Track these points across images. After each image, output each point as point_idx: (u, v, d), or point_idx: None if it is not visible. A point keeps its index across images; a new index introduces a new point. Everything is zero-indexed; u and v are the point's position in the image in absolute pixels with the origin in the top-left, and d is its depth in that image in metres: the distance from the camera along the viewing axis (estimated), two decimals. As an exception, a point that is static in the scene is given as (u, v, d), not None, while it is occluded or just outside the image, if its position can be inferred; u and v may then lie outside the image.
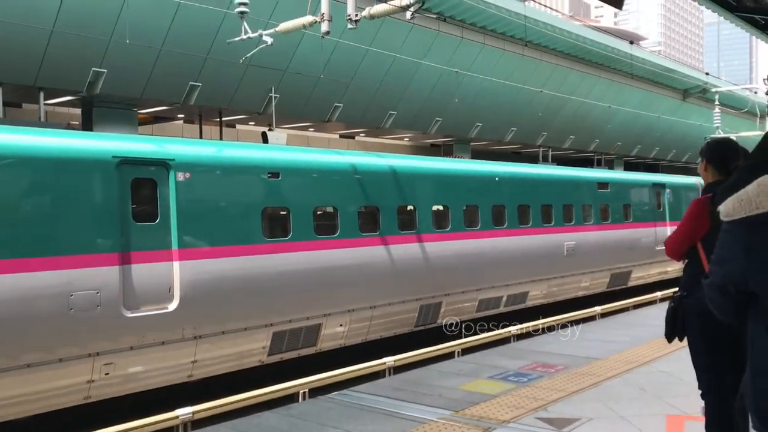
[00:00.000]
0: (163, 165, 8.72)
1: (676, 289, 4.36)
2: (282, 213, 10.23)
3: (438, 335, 12.17)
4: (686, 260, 4.23)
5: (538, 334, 12.65)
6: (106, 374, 8.13)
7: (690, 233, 4.09)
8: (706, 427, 4.17)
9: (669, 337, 4.24)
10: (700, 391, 4.21)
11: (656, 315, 12.03)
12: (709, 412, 4.16)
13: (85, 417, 7.99)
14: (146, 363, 8.46)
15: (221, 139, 16.32)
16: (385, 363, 9.69)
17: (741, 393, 3.93)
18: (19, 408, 7.53)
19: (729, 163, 4.13)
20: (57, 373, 7.71)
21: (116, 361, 8.17)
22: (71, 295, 7.70)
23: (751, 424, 2.38)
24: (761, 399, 2.28)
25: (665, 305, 11.80)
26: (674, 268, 20.01)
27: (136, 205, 8.46)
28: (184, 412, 7.41)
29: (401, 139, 24.37)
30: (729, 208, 2.33)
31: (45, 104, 12.37)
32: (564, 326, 13.27)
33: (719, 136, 27.63)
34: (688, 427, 5.45)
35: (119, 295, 8.07)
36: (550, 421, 5.71)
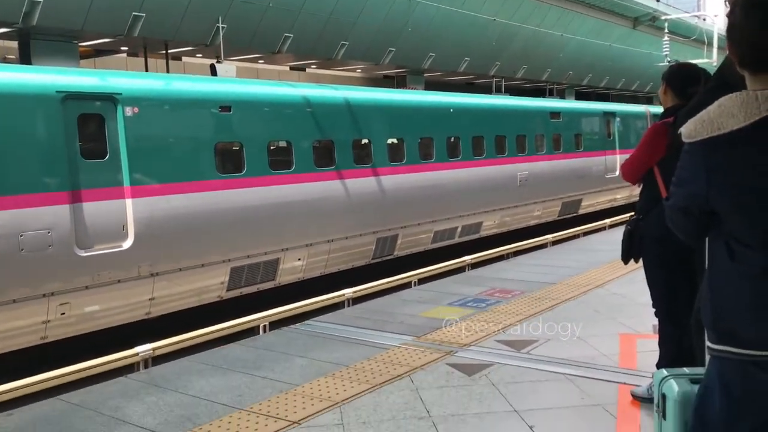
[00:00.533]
0: (110, 100, 8.43)
1: (632, 213, 4.46)
2: (235, 148, 10.06)
3: (395, 267, 12.31)
4: (642, 185, 4.31)
5: (493, 263, 12.93)
6: (62, 314, 8.04)
7: (647, 157, 4.15)
8: (660, 344, 4.35)
9: (625, 259, 4.36)
10: (654, 310, 4.38)
11: (607, 240, 12.39)
12: (662, 330, 4.34)
13: (45, 358, 7.90)
14: (103, 302, 8.38)
15: (168, 72, 15.76)
16: (344, 294, 9.78)
17: (697, 308, 4.10)
18: (-27, 350, 7.41)
19: (688, 88, 4.16)
20: (11, 314, 7.59)
21: (72, 300, 8.07)
22: (21, 236, 7.51)
23: (706, 338, 2.48)
24: (717, 315, 2.37)
25: (615, 231, 12.21)
26: (623, 196, 20.52)
27: (83, 142, 8.20)
28: (143, 348, 7.37)
29: (354, 70, 23.97)
30: (690, 130, 2.35)
31: (-22, 37, 11.72)
32: (517, 254, 13.59)
33: (668, 64, 27.98)
34: (641, 345, 5.68)
35: (71, 234, 7.91)
36: (510, 343, 5.88)
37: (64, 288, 7.93)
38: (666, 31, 28.17)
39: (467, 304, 7.45)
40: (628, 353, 5.51)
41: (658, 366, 4.36)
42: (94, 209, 8.18)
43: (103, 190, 8.32)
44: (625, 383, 4.79)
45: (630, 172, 4.35)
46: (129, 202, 8.48)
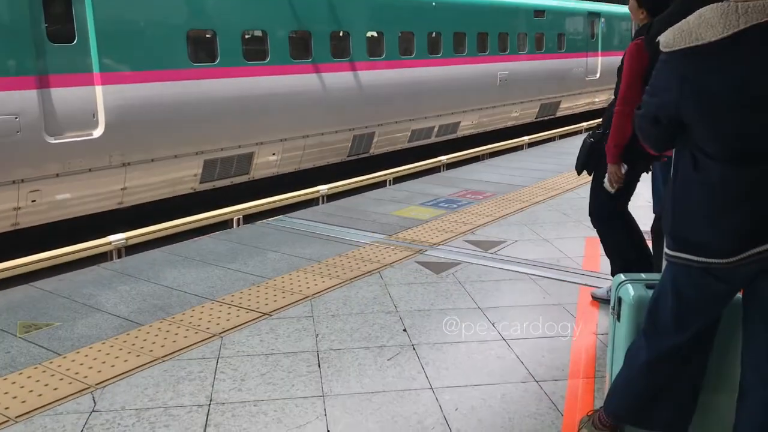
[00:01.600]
0: (77, -21, 8.02)
1: (598, 122, 4.42)
2: (208, 36, 9.73)
3: (371, 165, 12.32)
4: (613, 98, 4.27)
5: (468, 164, 13.00)
6: (33, 201, 7.99)
7: (636, 76, 4.04)
8: (608, 254, 4.48)
9: (579, 170, 4.40)
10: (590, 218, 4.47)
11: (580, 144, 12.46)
12: (610, 237, 4.43)
13: (17, 244, 7.91)
14: (74, 190, 8.33)
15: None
16: (318, 191, 9.83)
17: (657, 216, 4.20)
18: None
19: (661, 6, 4.05)
20: (-20, 201, 7.53)
21: (42, 188, 8.00)
22: (-13, 121, 7.33)
23: (665, 245, 2.57)
24: (676, 222, 2.44)
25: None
26: (601, 99, 20.44)
27: (50, 24, 7.86)
28: (116, 238, 7.40)
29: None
30: (669, 39, 2.33)
31: None
32: (493, 155, 13.64)
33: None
34: (604, 248, 5.84)
35: (40, 120, 7.73)
36: (478, 243, 6.01)
37: (34, 175, 7.85)
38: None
39: (439, 204, 7.54)
40: (592, 256, 5.68)
41: (612, 273, 4.52)
42: (63, 95, 7.97)
43: (72, 76, 8.09)
44: (586, 285, 4.96)
45: (629, 100, 4.10)
46: (99, 89, 8.27)
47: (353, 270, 5.28)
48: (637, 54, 3.92)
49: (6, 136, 7.48)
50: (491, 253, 5.72)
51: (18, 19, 7.51)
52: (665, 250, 2.54)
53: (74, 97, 8.08)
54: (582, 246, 5.95)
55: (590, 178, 4.50)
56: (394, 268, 5.31)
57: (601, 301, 4.61)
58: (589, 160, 4.31)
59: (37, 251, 6.98)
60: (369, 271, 5.24)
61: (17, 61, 7.54)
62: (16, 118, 7.56)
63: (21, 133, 7.61)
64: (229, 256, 5.74)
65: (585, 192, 8.04)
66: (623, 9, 22.25)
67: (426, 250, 5.78)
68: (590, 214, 4.52)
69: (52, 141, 7.86)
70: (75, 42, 8.06)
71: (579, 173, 4.46)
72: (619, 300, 2.87)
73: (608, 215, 4.39)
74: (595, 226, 4.52)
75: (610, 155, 4.02)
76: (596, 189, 4.38)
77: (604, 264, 5.38)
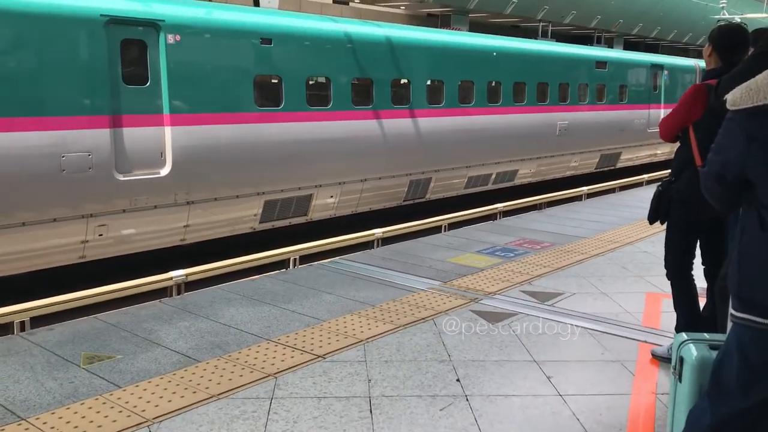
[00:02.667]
0: (153, 26, 8.45)
1: (669, 172, 4.43)
2: (273, 81, 10.05)
3: (426, 210, 12.36)
4: (679, 146, 4.27)
5: (525, 213, 12.89)
6: (100, 235, 8.29)
7: (683, 116, 4.11)
8: (675, 307, 4.38)
9: (651, 219, 4.36)
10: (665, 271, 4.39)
11: (642, 197, 12.24)
12: (678, 292, 4.34)
13: (83, 276, 8.20)
14: (139, 226, 8.61)
15: None
16: (374, 234, 9.89)
17: (723, 275, 4.09)
18: (16, 264, 7.72)
19: (734, 53, 4.06)
20: (52, 233, 7.85)
21: (109, 222, 8.30)
22: (63, 157, 7.70)
23: (730, 305, 2.50)
24: (744, 283, 2.38)
25: (652, 188, 12.01)
26: (663, 151, 20.09)
27: (126, 68, 8.27)
28: (177, 273, 7.60)
29: (397, 7, 23.46)
30: (736, 97, 2.32)
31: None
32: (550, 205, 13.51)
33: (724, 17, 26.89)
34: (666, 305, 5.66)
35: (111, 158, 8.07)
36: (535, 294, 5.93)
37: (102, 210, 8.16)
38: (726, -19, 26.92)
39: (496, 253, 7.49)
40: (652, 312, 5.53)
41: (677, 329, 4.40)
42: (134, 135, 8.32)
43: (143, 117, 8.44)
44: (646, 342, 4.82)
45: (665, 129, 4.32)
46: (168, 130, 8.60)
47: (407, 316, 5.27)
48: (693, 93, 3.99)
49: (79, 171, 7.83)
50: (548, 305, 5.63)
51: (97, 61, 7.92)
52: (731, 311, 2.48)
53: (144, 136, 8.42)
54: (642, 301, 5.81)
55: (653, 231, 4.44)
56: (448, 316, 5.28)
57: (661, 359, 4.48)
58: (659, 210, 4.27)
59: (100, 283, 7.23)
60: (423, 318, 5.22)
61: (93, 100, 7.93)
62: (89, 155, 7.92)
63: (93, 169, 7.95)
64: (286, 296, 5.81)
65: (646, 246, 7.92)
66: (687, 61, 22.02)
67: (481, 299, 5.74)
68: (666, 266, 4.42)
69: (122, 178, 8.18)
70: (148, 84, 8.43)
71: (651, 223, 4.41)
72: (681, 360, 2.79)
73: (684, 268, 4.30)
74: (669, 278, 4.41)
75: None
76: (670, 241, 4.32)
77: (665, 321, 5.24)
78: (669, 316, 5.27)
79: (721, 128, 2.44)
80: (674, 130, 4.25)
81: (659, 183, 4.39)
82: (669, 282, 4.43)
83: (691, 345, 2.76)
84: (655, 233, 8.30)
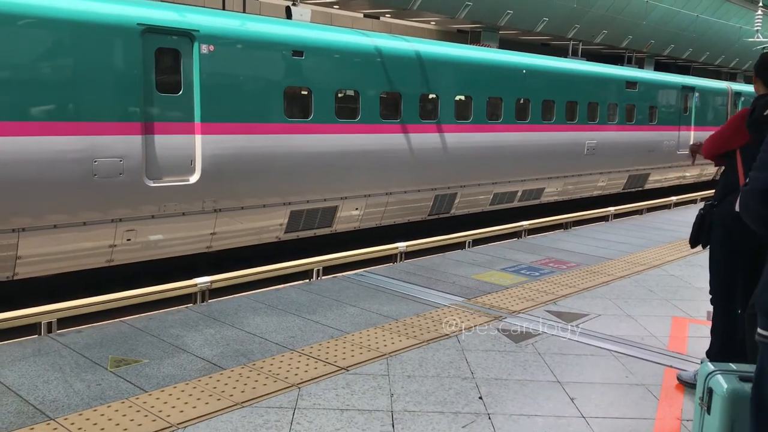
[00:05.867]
0: (188, 36, 8.59)
1: (712, 192, 4.40)
2: (303, 93, 10.14)
3: (449, 226, 12.34)
4: (723, 170, 4.24)
5: (550, 231, 12.81)
6: (128, 240, 8.40)
7: (728, 137, 4.09)
8: (712, 331, 4.31)
9: (693, 242, 4.32)
10: (710, 296, 4.33)
11: (670, 219, 12.13)
12: (716, 318, 4.29)
13: (109, 281, 8.31)
14: (167, 232, 8.71)
15: (244, 10, 15.85)
16: (397, 248, 9.89)
17: (752, 302, 4.04)
18: (46, 265, 7.85)
19: None
20: (81, 236, 7.97)
21: (138, 228, 8.41)
22: (95, 162, 7.83)
23: (758, 326, 2.46)
24: None
25: (679, 211, 11.86)
26: (692, 174, 19.88)
27: (159, 76, 8.40)
28: (202, 280, 7.66)
29: (428, 22, 23.59)
30: None
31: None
32: (576, 224, 13.42)
33: (758, 40, 26.60)
34: (692, 330, 5.62)
35: (142, 164, 8.19)
36: (560, 314, 5.89)
37: (131, 215, 8.27)
38: (760, 4, 26.66)
39: (521, 271, 7.46)
40: (678, 337, 5.47)
41: (708, 353, 4.35)
42: (165, 142, 8.44)
43: (175, 125, 8.56)
44: (671, 366, 4.77)
45: (709, 147, 4.31)
46: (198, 138, 8.71)
47: (430, 331, 5.27)
48: (741, 115, 3.97)
49: (110, 177, 7.95)
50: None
51: (131, 69, 8.07)
52: (759, 330, 2.44)
53: (175, 144, 8.53)
54: (668, 325, 5.74)
55: (681, 255, 4.40)
56: (472, 333, 5.27)
57: (686, 384, 4.42)
58: (700, 233, 4.23)
59: (125, 287, 7.33)
60: (446, 334, 5.22)
61: (126, 107, 8.06)
62: (121, 160, 8.04)
63: (123, 175, 8.07)
64: (310, 307, 5.84)
65: (673, 269, 7.83)
66: (719, 84, 21.78)
67: (505, 317, 5.71)
68: (710, 291, 4.36)
69: (151, 184, 8.30)
70: (180, 93, 8.56)
71: (692, 246, 4.37)
72: (710, 391, 2.75)
73: (727, 294, 4.24)
74: (712, 303, 4.35)
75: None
76: (714, 266, 4.26)
77: (692, 346, 5.18)
78: (695, 341, 5.23)
79: (763, 144, 2.40)
80: (717, 150, 4.24)
81: (701, 207, 4.35)
82: (709, 308, 4.39)
83: (720, 376, 2.72)
84: (683, 257, 8.21)
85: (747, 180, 2.47)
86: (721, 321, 4.26)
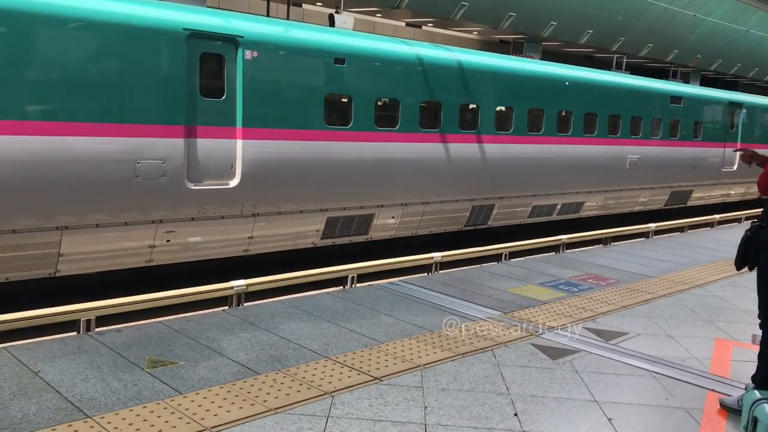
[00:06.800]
0: (232, 41, 8.68)
1: (758, 211, 4.26)
2: (344, 101, 10.18)
3: (486, 237, 12.24)
4: None
5: (590, 246, 12.61)
6: (168, 241, 8.50)
7: None
8: (760, 356, 4.17)
9: (739, 264, 4.19)
10: (759, 321, 4.19)
11: (713, 238, 11.84)
12: (765, 343, 4.15)
13: (148, 281, 8.42)
14: (205, 234, 8.80)
15: (288, 17, 16.02)
16: (432, 258, 9.84)
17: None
18: (88, 263, 7.99)
19: None
20: (122, 235, 8.10)
21: (177, 229, 8.51)
22: (138, 163, 7.95)
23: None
24: None
25: (722, 230, 11.59)
26: (737, 192, 19.40)
27: (203, 80, 8.51)
28: (238, 283, 7.72)
29: (470, 32, 23.52)
30: None
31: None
32: (616, 240, 13.19)
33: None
34: (736, 353, 5.46)
35: (184, 167, 8.30)
36: (598, 332, 5.78)
37: (171, 217, 8.38)
38: (812, 20, 25.97)
39: (559, 286, 7.35)
40: (721, 360, 5.31)
41: (754, 378, 4.21)
42: (207, 146, 8.53)
43: (217, 129, 8.66)
44: (714, 390, 4.63)
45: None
46: (240, 143, 8.79)
47: (466, 344, 5.21)
48: None
49: (152, 178, 8.07)
50: (612, 344, 5.47)
51: (177, 74, 8.19)
52: None
53: (217, 148, 8.63)
54: (711, 348, 5.58)
55: (725, 275, 4.27)
56: (508, 348, 5.20)
57: (729, 410, 4.28)
58: (747, 255, 4.10)
59: (164, 287, 7.42)
60: (482, 348, 5.15)
61: (170, 111, 8.17)
62: (163, 163, 8.15)
63: (165, 177, 8.19)
64: (345, 314, 5.83)
65: (717, 290, 7.63)
66: (767, 101, 21.26)
67: (543, 333, 5.62)
68: (759, 316, 4.22)
69: (192, 187, 8.39)
70: (223, 98, 8.65)
71: (738, 269, 4.23)
72: (755, 420, 2.66)
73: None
74: (762, 328, 4.21)
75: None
76: (763, 289, 4.12)
77: (735, 370, 5.03)
78: (739, 365, 5.07)
79: None
80: None
81: (748, 228, 4.20)
82: (755, 331, 4.25)
83: (767, 405, 2.62)
84: (727, 277, 8.00)
85: None
86: None
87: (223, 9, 10.56)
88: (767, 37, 28.87)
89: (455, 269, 10.11)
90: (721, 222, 16.23)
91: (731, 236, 11.80)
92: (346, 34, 10.78)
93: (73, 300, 7.27)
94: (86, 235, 7.83)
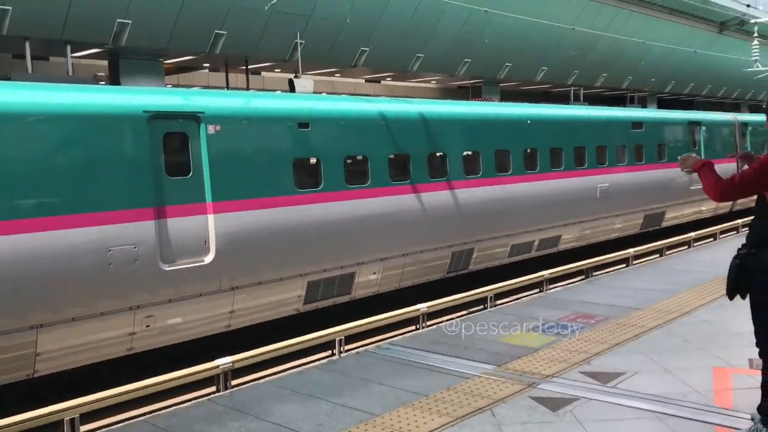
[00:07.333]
0: (194, 118, 8.65)
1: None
2: (313, 163, 10.16)
3: (470, 280, 12.16)
4: (755, 217, 4.06)
5: (572, 280, 12.59)
6: (147, 326, 8.29)
7: (759, 184, 3.88)
8: (763, 387, 4.10)
9: (731, 294, 4.12)
10: (757, 349, 4.12)
11: (692, 260, 11.89)
12: (766, 373, 4.08)
13: (129, 369, 8.17)
14: (185, 314, 8.60)
15: (248, 87, 16.12)
16: (419, 309, 9.74)
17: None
18: (66, 359, 7.73)
19: None
20: (100, 326, 7.88)
21: (156, 313, 8.31)
22: (109, 251, 7.79)
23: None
24: None
25: (699, 249, 11.58)
26: (708, 208, 19.65)
27: (168, 160, 8.44)
28: (224, 362, 7.53)
29: (428, 82, 23.90)
30: None
31: (72, 57, 12.26)
32: (597, 269, 13.20)
33: (758, 69, 26.71)
34: (736, 380, 5.38)
35: (156, 249, 8.14)
36: (595, 375, 5.67)
37: (149, 301, 8.18)
38: (755, 35, 26.86)
39: (549, 329, 7.26)
40: (722, 389, 5.23)
41: (760, 409, 4.13)
42: (178, 225, 8.40)
43: (187, 206, 8.55)
44: (721, 425, 4.53)
45: (731, 191, 4.04)
46: (211, 217, 8.68)
47: (463, 406, 5.07)
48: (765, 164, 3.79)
49: (125, 264, 7.90)
50: (610, 387, 5.37)
51: (141, 157, 8.10)
52: None
53: (188, 226, 8.50)
54: (710, 377, 5.50)
55: (711, 298, 4.22)
56: (506, 404, 5.06)
57: (740, 444, 4.19)
58: (737, 283, 4.02)
59: (147, 375, 7.19)
60: (480, 408, 5.01)
61: (138, 194, 8.06)
62: (135, 247, 8.00)
63: (138, 261, 8.02)
64: (335, 388, 5.66)
65: (705, 314, 7.59)
66: (724, 116, 21.79)
67: (539, 383, 5.50)
68: (757, 345, 4.13)
69: (167, 268, 8.23)
70: (190, 175, 8.57)
71: (731, 298, 4.15)
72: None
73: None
74: (761, 357, 4.12)
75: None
76: (759, 317, 4.04)
77: (739, 399, 4.95)
78: (742, 393, 4.99)
79: None
80: (740, 195, 4.03)
81: (735, 255, 4.12)
82: (751, 355, 4.16)
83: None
84: (712, 300, 7.99)
85: None
86: None
87: (184, 86, 10.59)
88: (714, 55, 29.77)
89: (443, 320, 10.00)
90: (697, 239, 16.37)
91: (709, 255, 11.88)
92: (308, 98, 10.84)
93: (54, 396, 7.01)
94: (63, 330, 7.59)
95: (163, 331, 8.49)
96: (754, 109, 35.04)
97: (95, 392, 6.74)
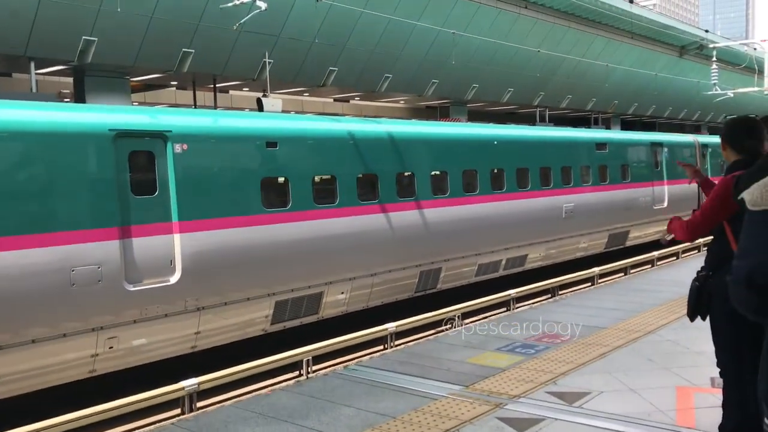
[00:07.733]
0: (160, 137, 8.58)
1: (701, 267, 4.24)
2: (280, 182, 10.13)
3: (438, 299, 12.20)
4: (712, 239, 4.15)
5: (539, 299, 12.72)
6: (110, 348, 8.14)
7: (718, 212, 3.97)
8: (723, 407, 4.17)
9: (692, 316, 4.19)
10: (717, 369, 4.19)
11: (656, 279, 12.09)
12: (726, 393, 4.15)
13: (92, 392, 8.00)
14: (150, 335, 8.46)
15: (215, 105, 16.06)
16: (387, 329, 9.73)
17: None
18: (26, 382, 7.54)
19: (743, 142, 4.05)
20: (62, 348, 7.71)
21: (120, 334, 8.16)
22: (72, 271, 7.65)
23: (764, 413, 2.37)
24: None
25: (662, 269, 11.76)
26: (671, 227, 20.02)
27: (134, 179, 8.34)
28: (189, 383, 7.43)
29: (397, 102, 24.10)
30: (756, 197, 2.28)
31: (36, 74, 12.10)
32: (563, 288, 13.35)
33: (717, 93, 27.47)
34: (698, 399, 5.47)
35: (121, 269, 8.02)
36: (561, 395, 5.72)
37: (112, 322, 8.04)
38: (714, 59, 27.69)
39: (516, 349, 7.30)
40: (685, 408, 5.31)
41: (721, 428, 4.19)
42: (143, 244, 8.29)
43: (153, 226, 8.45)
44: (684, 444, 4.60)
45: (698, 228, 4.15)
46: (177, 237, 8.59)
47: (431, 428, 5.06)
48: (725, 189, 3.83)
49: (88, 284, 7.76)
50: (576, 407, 5.41)
51: (107, 175, 8.00)
52: (765, 419, 2.34)
53: (154, 245, 8.39)
54: (673, 397, 5.58)
55: (674, 317, 4.29)
56: (474, 426, 5.07)
57: (703, 463, 4.24)
58: (698, 306, 4.09)
59: (113, 397, 7.05)
60: (447, 429, 5.00)
61: (102, 213, 7.94)
62: (99, 267, 7.87)
63: (102, 281, 7.89)
64: (303, 411, 5.60)
65: (668, 334, 7.72)
66: (685, 137, 22.33)
67: (506, 404, 5.52)
68: (718, 365, 4.19)
69: (132, 288, 8.11)
70: (156, 194, 8.48)
71: (692, 320, 4.22)
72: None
73: (737, 366, 4.06)
74: (722, 376, 4.17)
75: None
76: (719, 339, 4.09)
77: (701, 418, 5.03)
78: (704, 413, 5.08)
79: (742, 231, 2.38)
80: (708, 228, 4.12)
81: (695, 278, 4.19)
82: (712, 374, 4.22)
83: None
84: (676, 319, 8.13)
85: (732, 269, 2.43)
86: (732, 396, 4.09)
87: (150, 104, 10.50)
88: (675, 78, 30.59)
89: (411, 340, 10.00)
90: (660, 258, 16.67)
91: (673, 275, 12.10)
92: (276, 117, 10.83)
93: (13, 421, 6.82)
94: (23, 352, 7.41)
95: (127, 353, 8.34)
96: (714, 130, 36.02)
97: (55, 416, 6.60)
